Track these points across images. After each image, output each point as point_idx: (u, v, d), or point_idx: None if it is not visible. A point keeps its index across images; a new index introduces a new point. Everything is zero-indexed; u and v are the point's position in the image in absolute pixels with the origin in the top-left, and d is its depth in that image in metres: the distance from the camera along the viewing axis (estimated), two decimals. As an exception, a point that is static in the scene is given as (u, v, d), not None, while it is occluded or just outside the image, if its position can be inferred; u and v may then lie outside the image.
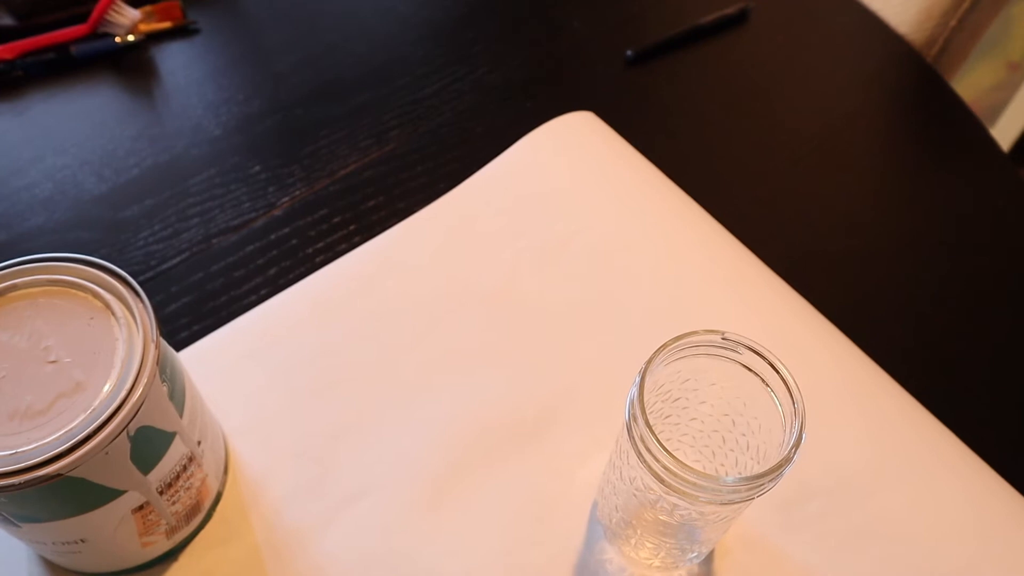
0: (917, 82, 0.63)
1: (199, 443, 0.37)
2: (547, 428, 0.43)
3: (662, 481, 0.30)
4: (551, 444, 0.42)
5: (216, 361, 0.44)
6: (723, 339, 0.32)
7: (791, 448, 0.30)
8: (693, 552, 0.37)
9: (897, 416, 0.43)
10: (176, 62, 0.59)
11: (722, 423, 0.36)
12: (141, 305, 0.33)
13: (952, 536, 0.40)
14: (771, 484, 0.30)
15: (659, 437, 0.30)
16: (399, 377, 0.44)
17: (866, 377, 0.45)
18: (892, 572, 0.39)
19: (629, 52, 0.60)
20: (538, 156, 0.53)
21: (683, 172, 0.53)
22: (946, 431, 0.43)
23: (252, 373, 0.44)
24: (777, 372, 0.31)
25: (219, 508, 0.40)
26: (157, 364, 0.31)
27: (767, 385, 0.32)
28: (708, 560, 0.39)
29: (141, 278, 0.48)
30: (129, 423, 0.30)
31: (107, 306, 0.33)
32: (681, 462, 0.29)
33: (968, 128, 0.59)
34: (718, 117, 0.58)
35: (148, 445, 0.32)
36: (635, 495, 0.34)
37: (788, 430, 0.31)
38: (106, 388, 0.31)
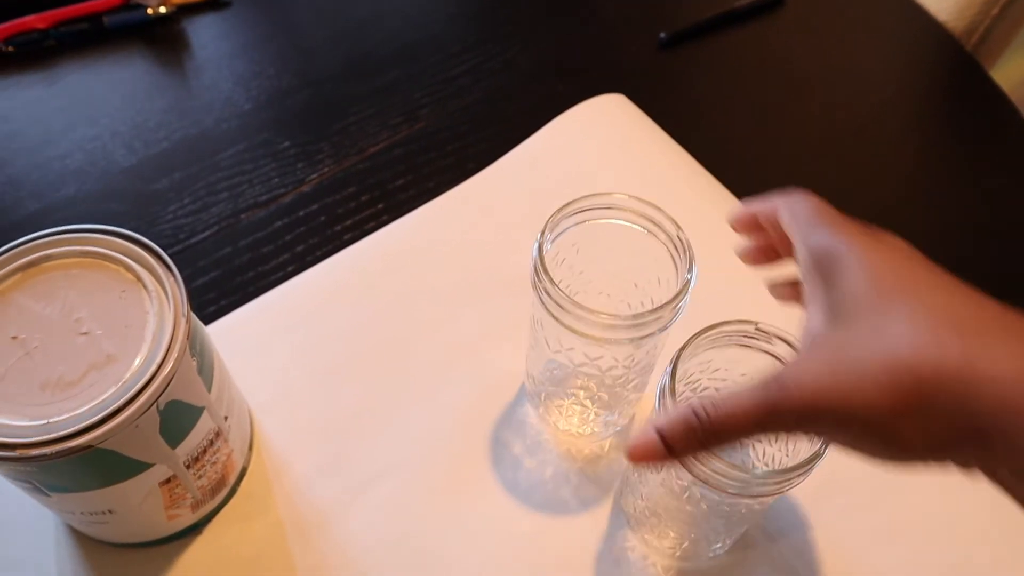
0: (955, 70, 0.62)
1: (226, 418, 0.37)
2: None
3: (692, 471, 0.30)
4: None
5: (243, 337, 0.44)
6: (756, 330, 0.32)
7: (823, 444, 0.29)
8: (717, 543, 0.37)
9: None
10: (207, 35, 0.59)
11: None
12: (172, 279, 0.33)
13: (974, 534, 0.40)
14: (800, 479, 0.30)
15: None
16: (424, 358, 0.44)
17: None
18: (915, 566, 0.39)
19: (662, 35, 0.59)
20: (568, 138, 0.53)
21: (713, 156, 0.52)
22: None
23: (278, 350, 0.44)
24: (811, 365, 0.31)
25: (243, 483, 0.40)
26: (188, 338, 0.32)
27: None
28: (731, 552, 0.39)
29: (169, 251, 0.47)
30: (159, 396, 0.30)
31: (138, 279, 0.33)
32: (713, 452, 0.29)
33: (1006, 117, 0.58)
34: (750, 102, 0.57)
35: (177, 419, 0.32)
36: (662, 484, 0.34)
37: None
38: (137, 361, 0.31)
